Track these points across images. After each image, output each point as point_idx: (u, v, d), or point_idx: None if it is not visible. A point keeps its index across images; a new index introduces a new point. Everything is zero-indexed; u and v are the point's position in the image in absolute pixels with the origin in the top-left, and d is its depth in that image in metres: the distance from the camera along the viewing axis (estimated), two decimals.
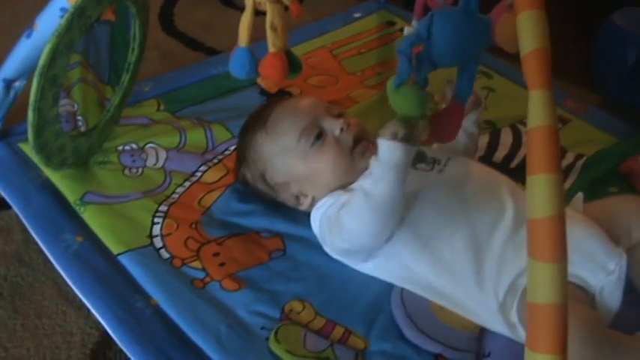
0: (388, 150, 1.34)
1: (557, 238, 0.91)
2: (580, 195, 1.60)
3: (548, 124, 0.93)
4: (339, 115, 1.63)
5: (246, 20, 1.44)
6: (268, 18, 1.43)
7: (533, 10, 0.98)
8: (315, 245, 1.61)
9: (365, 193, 1.39)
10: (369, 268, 1.56)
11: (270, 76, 1.44)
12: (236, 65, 1.46)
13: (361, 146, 1.58)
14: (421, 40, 1.26)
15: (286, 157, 1.61)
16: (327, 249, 1.59)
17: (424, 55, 1.26)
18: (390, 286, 1.54)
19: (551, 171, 0.92)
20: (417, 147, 1.36)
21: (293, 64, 1.48)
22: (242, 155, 1.70)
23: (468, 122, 1.67)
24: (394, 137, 1.33)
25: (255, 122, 1.67)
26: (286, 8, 1.44)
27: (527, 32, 0.98)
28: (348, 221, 1.45)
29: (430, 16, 1.26)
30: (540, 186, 0.92)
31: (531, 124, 0.94)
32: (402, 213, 1.46)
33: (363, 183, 1.41)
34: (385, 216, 1.41)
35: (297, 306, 1.50)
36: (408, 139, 1.33)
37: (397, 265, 1.51)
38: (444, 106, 1.41)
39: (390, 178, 1.36)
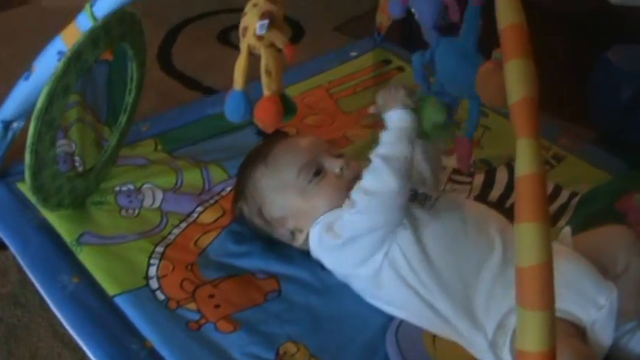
0: (399, 117, 1.47)
1: (544, 286, 0.92)
2: (568, 229, 1.61)
3: (536, 173, 0.94)
4: (339, 156, 1.65)
5: (241, 64, 1.45)
6: (263, 62, 1.44)
7: (519, 59, 0.99)
8: (310, 286, 1.63)
9: (383, 158, 1.45)
10: (368, 292, 1.57)
11: (264, 121, 1.45)
12: (231, 109, 1.47)
13: None
14: (425, 60, 1.44)
15: (285, 191, 1.62)
16: (327, 255, 1.59)
17: (437, 76, 1.43)
18: (384, 327, 1.54)
19: (538, 220, 0.93)
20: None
21: (287, 107, 1.49)
22: (240, 189, 1.71)
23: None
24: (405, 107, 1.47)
25: (255, 157, 1.69)
26: (280, 51, 1.45)
27: (514, 81, 0.99)
28: (369, 184, 1.46)
29: (437, 41, 1.38)
30: (527, 234, 0.93)
31: (519, 172, 0.95)
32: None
33: (378, 150, 1.47)
34: (403, 176, 1.44)
35: (291, 348, 1.50)
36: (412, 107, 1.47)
37: (392, 297, 1.53)
38: None
39: (405, 142, 1.45)
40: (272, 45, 1.43)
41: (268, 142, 1.73)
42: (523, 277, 0.93)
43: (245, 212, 1.70)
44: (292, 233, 1.64)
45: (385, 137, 1.47)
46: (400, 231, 1.49)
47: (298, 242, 1.64)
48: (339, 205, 1.56)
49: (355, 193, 1.48)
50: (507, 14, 1.03)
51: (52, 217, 1.79)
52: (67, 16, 1.63)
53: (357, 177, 1.58)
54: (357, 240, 1.50)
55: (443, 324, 1.48)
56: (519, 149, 0.96)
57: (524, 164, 0.95)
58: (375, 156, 1.46)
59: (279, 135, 1.83)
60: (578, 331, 1.40)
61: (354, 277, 1.58)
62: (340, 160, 1.63)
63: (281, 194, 1.63)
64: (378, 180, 1.45)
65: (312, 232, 1.60)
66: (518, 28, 1.02)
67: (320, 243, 1.58)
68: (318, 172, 1.60)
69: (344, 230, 1.50)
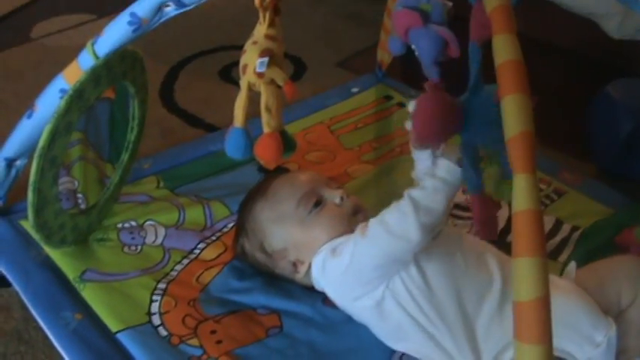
0: (450, 171, 1.39)
1: (542, 321, 0.93)
2: (573, 264, 1.61)
3: (532, 208, 0.95)
4: (338, 187, 1.67)
5: (241, 101, 1.46)
6: (263, 99, 1.45)
7: (516, 94, 1.00)
8: (312, 322, 1.63)
9: (415, 204, 1.40)
10: (370, 323, 1.57)
11: (264, 157, 1.47)
12: (231, 146, 1.48)
13: (361, 215, 1.61)
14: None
15: (285, 223, 1.63)
16: (329, 283, 1.58)
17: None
18: None
19: (535, 254, 0.93)
20: None
21: (287, 144, 1.50)
22: (241, 225, 1.72)
23: None
24: (458, 163, 1.39)
25: (255, 192, 1.70)
26: (280, 88, 1.46)
27: (510, 116, 1.00)
28: (391, 221, 1.43)
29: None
30: (524, 269, 0.94)
31: (516, 208, 0.96)
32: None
33: (414, 192, 1.42)
34: (428, 231, 1.41)
35: None
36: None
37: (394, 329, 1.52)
38: None
39: (445, 199, 1.40)
40: (272, 82, 1.44)
41: (268, 177, 1.74)
42: (520, 311, 0.94)
43: (246, 248, 1.70)
44: (294, 265, 1.64)
45: (428, 183, 1.42)
46: None
47: (300, 274, 1.64)
48: (339, 235, 1.57)
49: (373, 222, 1.47)
50: (504, 50, 1.04)
51: (55, 254, 1.79)
52: (69, 54, 1.65)
53: (356, 208, 1.59)
54: (360, 271, 1.50)
55: (445, 357, 1.48)
56: (516, 185, 0.97)
57: (521, 200, 0.96)
58: (408, 196, 1.42)
59: (280, 171, 1.84)
60: None
61: (356, 307, 1.57)
62: (340, 191, 1.64)
63: (281, 226, 1.63)
64: (402, 224, 1.42)
65: (314, 260, 1.59)
66: (514, 64, 1.03)
67: (323, 269, 1.57)
68: (318, 202, 1.61)
69: (349, 255, 1.49)
